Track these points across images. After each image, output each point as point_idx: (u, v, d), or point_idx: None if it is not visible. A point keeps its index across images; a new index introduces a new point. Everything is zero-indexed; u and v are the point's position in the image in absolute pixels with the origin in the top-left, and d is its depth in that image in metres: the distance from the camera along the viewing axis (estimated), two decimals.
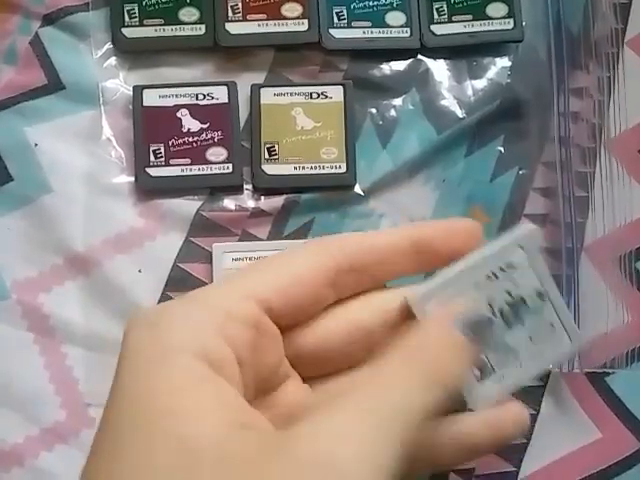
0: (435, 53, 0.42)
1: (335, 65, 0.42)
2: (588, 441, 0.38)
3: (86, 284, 0.38)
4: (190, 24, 0.41)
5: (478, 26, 0.42)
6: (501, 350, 0.28)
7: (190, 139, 0.40)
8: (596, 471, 0.38)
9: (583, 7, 0.43)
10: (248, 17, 0.41)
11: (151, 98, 0.40)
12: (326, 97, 0.41)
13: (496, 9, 0.42)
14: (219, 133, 0.40)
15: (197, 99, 0.41)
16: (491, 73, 0.42)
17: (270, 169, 0.40)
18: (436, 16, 0.42)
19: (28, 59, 0.41)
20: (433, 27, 0.42)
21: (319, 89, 0.41)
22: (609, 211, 0.41)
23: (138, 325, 0.23)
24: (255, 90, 0.41)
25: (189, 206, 0.40)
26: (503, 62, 0.43)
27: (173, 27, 0.41)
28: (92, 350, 0.38)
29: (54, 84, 0.41)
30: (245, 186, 0.40)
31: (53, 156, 0.40)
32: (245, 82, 0.41)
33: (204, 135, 0.40)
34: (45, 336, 0.38)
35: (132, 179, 0.40)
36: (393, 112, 0.42)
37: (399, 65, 0.42)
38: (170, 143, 0.40)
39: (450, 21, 0.42)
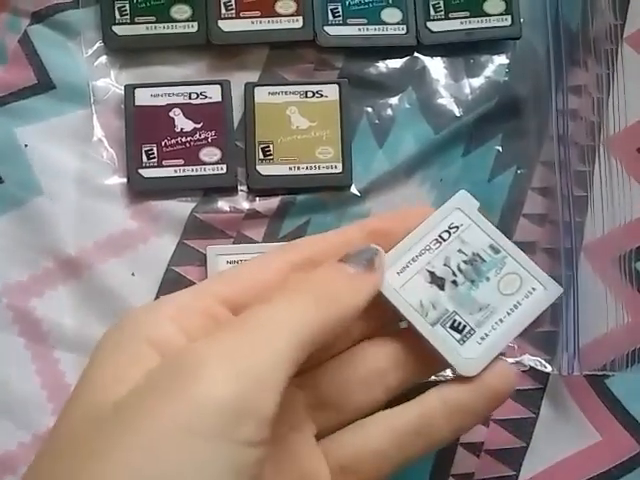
0: (432, 51, 0.41)
1: (330, 63, 0.41)
2: (588, 444, 0.38)
3: (78, 288, 0.38)
4: (182, 22, 0.40)
5: (475, 23, 0.41)
6: (474, 308, 0.30)
7: (183, 139, 0.39)
8: (596, 474, 0.37)
9: (582, 3, 0.42)
10: (241, 14, 0.40)
11: (143, 97, 0.39)
12: (321, 96, 0.40)
13: (493, 6, 0.41)
14: (213, 133, 0.39)
15: (190, 98, 0.40)
16: (488, 71, 0.42)
17: (265, 170, 0.39)
18: (432, 13, 0.41)
19: (17, 58, 0.40)
20: (429, 24, 0.41)
21: (314, 88, 0.40)
22: (608, 211, 0.40)
23: (108, 330, 0.25)
24: (249, 89, 0.40)
25: (183, 208, 0.39)
26: (501, 60, 0.42)
27: (165, 25, 0.40)
28: (85, 355, 0.36)
29: (44, 83, 0.40)
30: (239, 187, 0.39)
31: (43, 157, 0.39)
32: (239, 81, 0.40)
33: (197, 135, 0.39)
34: (37, 341, 0.37)
35: (124, 180, 0.39)
36: (389, 111, 0.41)
37: (395, 63, 0.41)
38: (163, 143, 0.39)
39: (447, 18, 0.41)
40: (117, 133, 0.39)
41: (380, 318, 0.30)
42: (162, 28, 0.40)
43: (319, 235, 0.29)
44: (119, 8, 0.40)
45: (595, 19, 0.42)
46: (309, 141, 0.39)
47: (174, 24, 0.40)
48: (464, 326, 0.30)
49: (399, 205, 0.40)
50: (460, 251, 0.30)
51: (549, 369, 0.38)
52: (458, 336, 0.29)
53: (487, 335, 0.29)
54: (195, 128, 0.39)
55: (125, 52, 0.41)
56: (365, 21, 0.41)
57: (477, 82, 0.41)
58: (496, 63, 0.42)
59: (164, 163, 0.39)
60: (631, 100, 0.41)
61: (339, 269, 0.27)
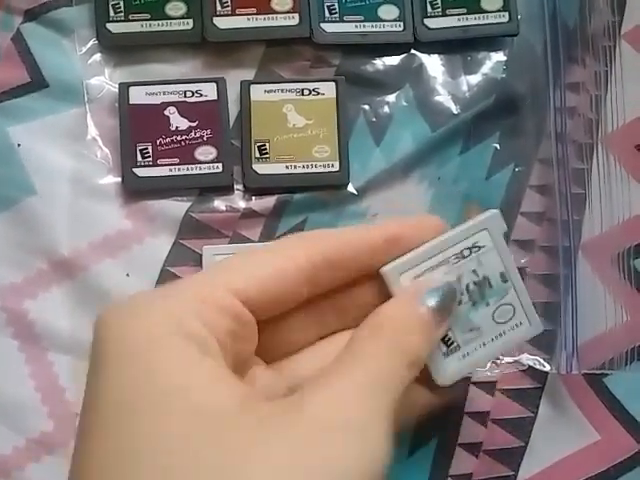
0: (429, 48, 0.41)
1: (327, 60, 0.40)
2: (587, 443, 0.37)
3: (72, 289, 0.37)
4: (177, 19, 0.39)
5: (473, 20, 0.40)
6: (467, 328, 0.30)
7: (178, 138, 0.38)
8: (595, 474, 0.37)
9: (579, 0, 0.42)
10: (237, 11, 0.39)
11: (138, 96, 0.39)
12: (318, 94, 0.39)
13: (491, 2, 0.41)
14: (208, 131, 0.38)
15: (185, 96, 0.39)
16: (486, 68, 0.41)
17: (261, 168, 0.38)
18: (430, 9, 0.40)
19: (10, 56, 0.39)
20: (427, 21, 0.40)
21: (311, 85, 0.39)
22: (606, 208, 0.39)
23: (117, 316, 0.23)
24: (245, 87, 0.39)
25: (178, 207, 0.38)
26: (498, 57, 0.41)
27: (159, 22, 0.39)
28: (79, 357, 0.36)
29: (37, 82, 0.39)
30: (236, 186, 0.39)
31: (37, 157, 0.38)
32: (234, 78, 0.39)
33: (193, 134, 0.38)
34: (31, 344, 0.36)
35: (119, 180, 0.38)
36: (387, 109, 0.40)
37: (392, 60, 0.41)
38: (158, 142, 0.38)
39: (444, 15, 0.40)
40: (111, 132, 0.38)
41: None
42: (157, 25, 0.39)
43: (337, 232, 0.28)
44: (113, 5, 0.39)
45: (593, 16, 0.41)
46: (306, 139, 0.39)
47: (169, 21, 0.39)
48: (452, 342, 0.30)
49: (397, 204, 0.39)
50: (474, 272, 0.31)
51: (547, 368, 0.38)
52: (445, 349, 0.30)
53: (469, 354, 0.30)
54: (190, 126, 0.38)
55: (119, 50, 0.40)
56: (362, 18, 0.40)
57: (474, 79, 0.41)
58: (493, 60, 0.41)
59: (159, 162, 0.38)
60: (629, 97, 0.41)
61: (414, 311, 0.26)
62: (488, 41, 0.41)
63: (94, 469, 0.20)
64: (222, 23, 0.39)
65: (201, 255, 0.37)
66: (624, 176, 0.40)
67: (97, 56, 0.40)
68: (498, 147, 0.40)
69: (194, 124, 0.38)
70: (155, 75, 0.40)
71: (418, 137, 0.40)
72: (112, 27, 0.39)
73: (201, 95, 0.39)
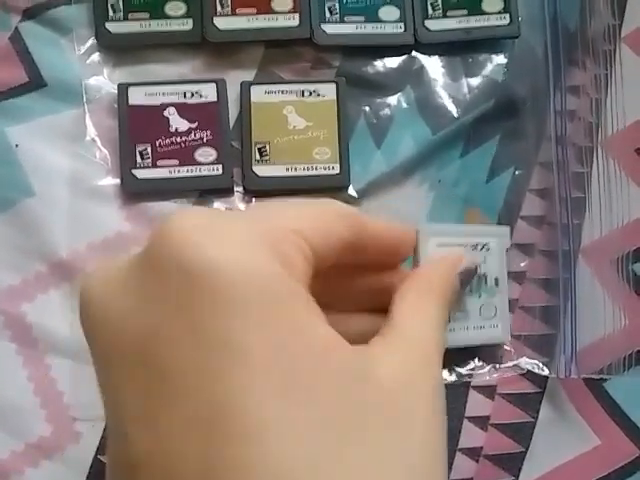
0: (430, 49, 0.40)
1: (327, 62, 0.40)
2: (587, 448, 0.37)
3: (70, 292, 0.36)
4: (177, 18, 0.39)
5: (473, 22, 0.40)
6: (459, 307, 0.34)
7: (178, 139, 0.38)
8: (596, 479, 0.36)
9: (580, 3, 0.41)
10: (237, 11, 0.39)
11: (137, 96, 0.38)
12: (318, 95, 0.39)
13: (492, 4, 0.40)
14: (208, 133, 0.38)
15: (185, 97, 0.38)
16: (487, 70, 0.40)
17: (261, 170, 0.38)
18: (430, 11, 0.40)
19: (8, 55, 0.39)
20: (427, 22, 0.40)
21: (311, 87, 0.39)
22: (606, 212, 0.39)
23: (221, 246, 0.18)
24: (245, 88, 0.39)
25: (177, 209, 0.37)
26: (499, 59, 0.41)
27: (159, 22, 0.39)
28: (77, 361, 0.36)
29: (35, 82, 0.38)
30: (235, 188, 0.38)
31: (35, 157, 0.37)
32: (235, 79, 0.39)
33: (192, 135, 0.38)
34: (28, 347, 0.36)
35: (118, 181, 0.37)
36: (387, 110, 0.40)
37: (393, 62, 0.40)
38: (157, 143, 0.37)
39: (445, 16, 0.40)
40: (110, 133, 0.38)
41: None
42: (156, 25, 0.39)
43: (370, 216, 0.25)
44: (112, 5, 0.39)
45: (593, 19, 0.41)
46: (306, 141, 0.38)
47: (168, 21, 0.39)
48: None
49: (397, 206, 0.39)
50: (478, 266, 0.35)
51: (546, 372, 0.37)
52: None
53: (453, 330, 0.34)
54: (190, 128, 0.38)
55: (118, 50, 0.39)
56: (363, 19, 0.39)
57: (475, 81, 0.40)
58: (494, 62, 0.41)
59: (158, 164, 0.37)
60: (629, 100, 0.40)
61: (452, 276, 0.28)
62: (489, 43, 0.41)
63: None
64: (222, 23, 0.39)
65: None
66: (624, 180, 0.40)
67: (96, 56, 0.39)
68: (498, 150, 0.40)
69: (194, 125, 0.38)
70: (155, 75, 0.39)
71: (419, 139, 0.39)
72: (111, 27, 0.38)
73: (201, 96, 0.38)
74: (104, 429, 0.35)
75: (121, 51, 0.39)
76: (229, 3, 0.39)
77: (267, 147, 0.38)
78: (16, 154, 0.37)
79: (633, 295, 0.39)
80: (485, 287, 0.36)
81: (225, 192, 0.38)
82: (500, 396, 0.38)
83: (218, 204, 0.38)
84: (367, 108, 0.40)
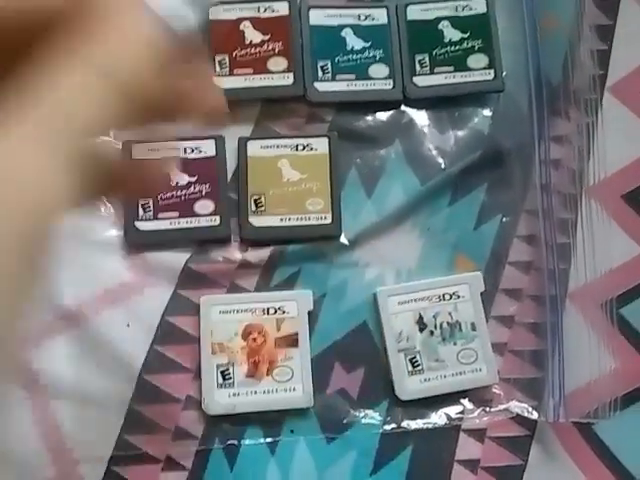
0: (418, 104, 0.43)
1: (320, 117, 0.42)
2: None
3: (75, 339, 0.38)
4: None
5: (459, 77, 0.42)
6: (433, 358, 0.38)
7: (179, 192, 0.40)
8: None
9: (562, 57, 0.43)
10: (235, 72, 0.41)
11: (140, 152, 0.40)
12: (312, 149, 0.41)
13: (477, 60, 0.42)
14: (207, 186, 0.40)
15: (185, 153, 0.40)
16: (473, 123, 0.43)
17: (257, 221, 0.40)
18: (418, 68, 0.42)
19: None
20: (415, 79, 0.42)
21: (305, 141, 0.41)
22: (591, 258, 0.40)
23: None
24: (242, 143, 0.41)
25: (177, 259, 0.40)
26: (484, 112, 0.43)
27: None
28: (80, 405, 0.37)
29: None
30: (233, 237, 0.40)
31: None
32: (233, 134, 0.41)
33: (192, 188, 0.40)
34: (35, 392, 0.38)
35: (121, 233, 0.39)
36: (378, 162, 0.42)
37: (383, 116, 0.42)
38: (159, 197, 0.40)
39: (432, 73, 0.42)
40: None
41: None
42: None
43: None
44: None
45: (576, 71, 0.43)
46: (300, 193, 0.40)
47: None
48: (419, 365, 0.38)
49: (388, 254, 0.41)
50: (450, 314, 0.39)
51: (535, 416, 0.38)
52: (411, 368, 0.38)
53: (429, 380, 0.37)
54: (190, 182, 0.40)
55: None
56: (354, 77, 0.42)
57: (462, 134, 0.42)
58: (480, 115, 0.43)
59: (160, 216, 0.39)
60: (614, 147, 0.42)
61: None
62: (475, 97, 0.43)
63: None
64: (221, 83, 0.41)
65: (199, 305, 0.38)
66: (609, 226, 0.41)
67: None
68: (486, 198, 0.42)
69: (193, 179, 0.40)
70: (157, 132, 0.41)
71: (408, 189, 0.41)
72: None
73: (200, 151, 0.41)
74: (105, 472, 0.37)
75: None
76: (227, 64, 0.41)
77: (262, 198, 0.40)
78: None
79: (621, 338, 0.40)
80: (460, 334, 0.38)
81: (223, 242, 0.40)
82: (490, 439, 0.39)
83: (215, 253, 0.40)
84: (358, 160, 0.42)
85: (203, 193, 0.40)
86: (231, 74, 0.41)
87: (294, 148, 0.41)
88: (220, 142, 0.41)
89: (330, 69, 0.42)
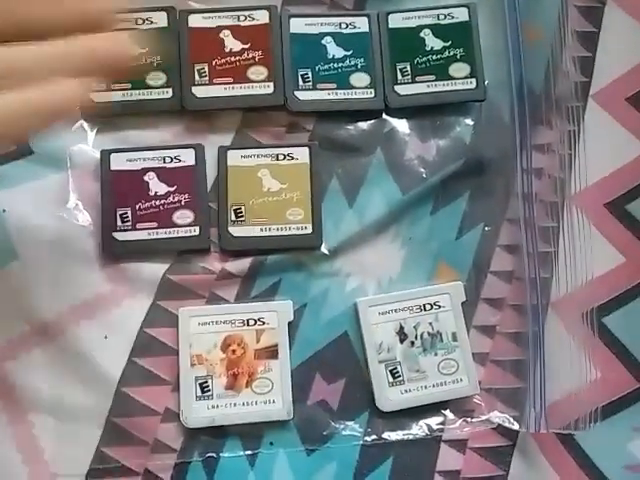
0: (399, 113, 0.43)
1: (301, 126, 0.43)
2: None
3: (52, 351, 0.38)
4: (157, 88, 0.42)
5: (441, 86, 0.43)
6: (414, 368, 0.38)
7: (157, 202, 0.40)
8: None
9: (545, 64, 0.44)
10: (214, 81, 0.42)
11: (118, 162, 0.41)
12: (292, 158, 0.41)
13: (459, 69, 0.43)
14: (186, 196, 0.40)
15: (164, 162, 0.41)
16: (454, 132, 0.43)
17: (237, 231, 0.40)
18: (400, 77, 0.42)
19: None
20: (397, 88, 0.42)
21: (285, 151, 0.41)
22: (573, 267, 0.41)
23: None
24: (222, 152, 0.41)
25: (156, 269, 0.40)
26: (466, 121, 0.43)
27: (140, 91, 0.42)
28: (58, 418, 0.38)
29: (22, 149, 0.41)
30: (212, 248, 0.40)
31: (21, 222, 0.40)
32: (213, 143, 0.42)
33: (171, 198, 0.40)
34: (11, 405, 0.38)
35: (99, 244, 0.40)
36: (359, 172, 0.42)
37: (364, 125, 0.43)
38: (137, 207, 0.40)
39: (414, 82, 0.43)
40: (93, 197, 0.40)
41: None
42: (137, 94, 0.41)
43: None
44: None
45: (558, 79, 0.43)
46: (280, 203, 0.41)
47: (149, 90, 0.42)
48: (399, 376, 0.38)
49: (369, 264, 0.41)
50: (430, 324, 0.39)
51: (516, 427, 0.39)
52: (391, 379, 0.38)
53: (410, 391, 0.38)
54: (169, 191, 0.40)
55: (102, 117, 0.42)
56: (334, 86, 0.42)
57: (444, 143, 0.43)
58: (462, 124, 0.43)
59: (138, 226, 0.40)
60: (598, 155, 0.43)
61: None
62: (456, 106, 0.43)
63: None
64: (200, 92, 0.41)
65: (177, 316, 0.39)
66: (591, 235, 0.42)
67: (80, 123, 0.42)
68: (467, 208, 0.42)
69: (172, 189, 0.40)
70: (136, 141, 0.42)
71: (389, 199, 0.42)
72: (94, 96, 0.41)
73: (180, 161, 0.41)
74: None
75: (104, 119, 0.42)
76: (207, 73, 0.42)
77: (242, 208, 0.40)
78: (4, 219, 0.40)
79: (603, 348, 0.41)
80: (441, 344, 0.39)
81: (202, 252, 0.40)
82: (471, 450, 0.39)
83: (195, 263, 0.40)
84: (339, 169, 0.42)
85: (182, 203, 0.40)
86: (211, 83, 0.41)
87: (275, 157, 0.41)
88: (200, 151, 0.41)
89: (311, 78, 0.42)
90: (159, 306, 0.39)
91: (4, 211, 0.40)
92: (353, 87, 0.42)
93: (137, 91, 0.42)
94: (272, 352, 0.39)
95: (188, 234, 0.40)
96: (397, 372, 0.38)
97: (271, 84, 0.42)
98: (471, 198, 0.42)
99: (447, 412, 0.39)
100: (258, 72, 0.42)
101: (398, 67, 0.43)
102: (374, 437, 0.39)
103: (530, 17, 0.44)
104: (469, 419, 0.39)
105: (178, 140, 0.42)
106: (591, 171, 0.43)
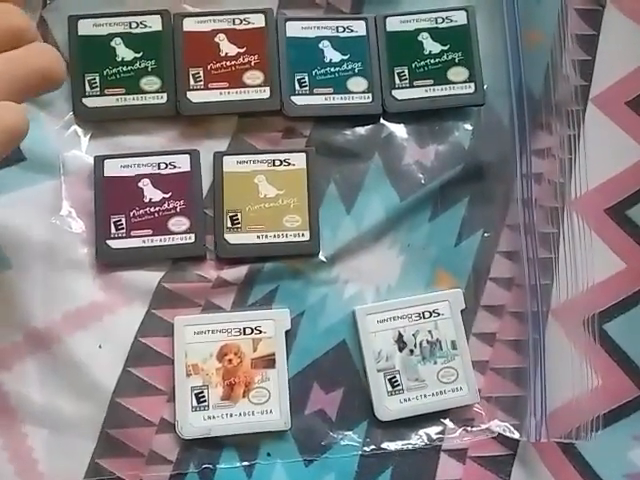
0: (397, 118, 0.43)
1: (298, 131, 0.43)
2: None
3: (46, 361, 0.39)
4: (152, 93, 0.42)
5: (439, 91, 0.43)
6: (413, 377, 0.39)
7: (152, 209, 0.40)
8: None
9: (544, 68, 0.44)
10: (210, 85, 0.42)
11: (112, 168, 0.41)
12: (289, 164, 0.41)
13: (457, 73, 0.43)
14: (181, 202, 0.41)
15: (159, 168, 0.41)
16: (453, 137, 0.43)
17: (233, 238, 0.40)
18: (397, 81, 0.43)
19: None
20: (395, 92, 0.43)
21: (282, 156, 0.42)
22: (574, 273, 0.41)
23: None
24: (218, 158, 0.41)
25: (151, 277, 0.40)
26: (465, 126, 0.44)
27: (135, 96, 0.42)
28: (51, 429, 0.38)
29: (15, 155, 0.41)
30: (208, 256, 0.41)
31: (13, 230, 0.40)
32: (208, 149, 0.42)
33: (166, 205, 0.41)
34: (5, 415, 0.38)
35: (93, 251, 0.40)
36: (357, 177, 0.43)
37: (362, 130, 0.43)
38: (131, 214, 0.40)
39: (411, 86, 0.43)
40: (87, 204, 0.41)
41: None
42: (132, 99, 0.42)
43: None
44: (89, 80, 0.42)
45: (558, 82, 0.44)
46: (277, 209, 0.41)
47: (144, 95, 0.42)
48: (398, 385, 0.39)
49: (367, 271, 0.41)
50: (429, 332, 0.40)
51: (517, 435, 0.39)
52: (390, 388, 0.39)
53: (409, 400, 0.38)
54: (164, 198, 0.41)
55: (95, 123, 0.42)
56: (331, 90, 0.42)
57: (442, 148, 0.43)
58: (461, 129, 0.44)
59: (132, 234, 0.40)
60: (598, 160, 0.43)
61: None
62: (455, 111, 0.44)
63: None
64: (195, 97, 0.42)
65: (173, 325, 0.39)
66: (592, 240, 0.42)
67: (74, 129, 0.42)
68: (467, 213, 0.42)
69: (167, 195, 0.41)
70: (131, 147, 0.42)
71: (388, 205, 0.42)
72: (88, 101, 0.42)
73: (175, 167, 0.41)
74: None
75: (98, 124, 0.42)
76: (202, 78, 0.42)
77: (239, 215, 0.41)
78: None
79: (604, 355, 0.41)
80: (440, 352, 0.39)
81: (198, 259, 0.41)
82: (471, 459, 0.40)
83: (190, 271, 0.40)
84: (337, 175, 0.42)
85: (177, 210, 0.41)
86: (206, 88, 0.42)
87: (271, 163, 0.41)
88: (195, 157, 0.41)
89: (307, 82, 0.42)
90: (154, 315, 0.40)
91: None
92: (350, 92, 0.43)
93: (131, 96, 0.42)
94: (269, 361, 0.39)
95: (183, 241, 0.40)
96: (396, 381, 0.39)
97: (267, 89, 0.42)
98: (470, 204, 0.43)
99: (447, 421, 0.40)
100: (254, 77, 0.42)
101: (396, 71, 0.43)
102: (373, 447, 0.39)
103: (529, 20, 0.44)
104: (469, 428, 0.40)
105: (173, 146, 0.42)
106: (591, 176, 0.43)
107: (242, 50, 0.42)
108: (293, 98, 0.42)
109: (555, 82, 0.44)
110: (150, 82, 0.42)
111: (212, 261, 0.41)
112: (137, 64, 0.42)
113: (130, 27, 0.42)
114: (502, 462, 0.40)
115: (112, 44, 0.42)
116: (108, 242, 0.40)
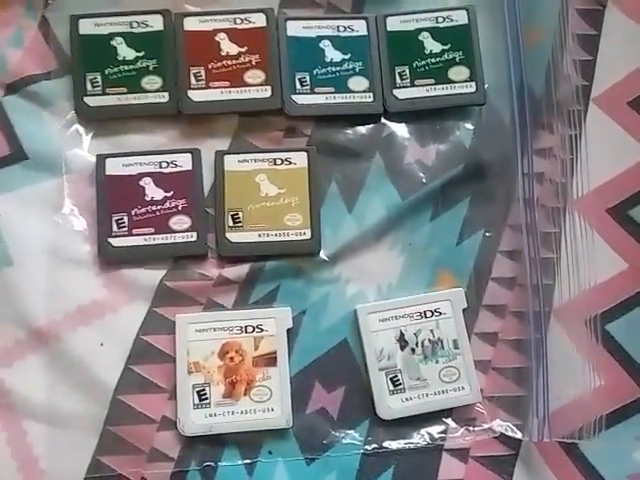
0: (398, 117, 0.44)
1: (299, 130, 0.44)
2: None
3: (48, 358, 0.39)
4: (153, 92, 0.43)
5: (440, 90, 0.44)
6: (415, 376, 0.39)
7: (153, 208, 0.41)
8: None
9: (546, 68, 0.45)
10: (211, 84, 0.43)
11: (114, 167, 0.42)
12: (290, 163, 0.42)
13: (458, 73, 0.44)
14: (183, 201, 0.42)
15: (161, 167, 0.42)
16: (454, 136, 0.44)
17: (234, 237, 0.41)
18: (399, 80, 0.44)
19: None
20: (396, 91, 0.44)
21: (283, 155, 0.42)
22: (576, 273, 0.42)
23: None
24: (219, 157, 0.42)
25: (152, 276, 0.41)
26: (466, 125, 0.45)
27: (136, 95, 0.43)
28: (53, 426, 0.39)
29: (17, 154, 0.42)
30: (209, 254, 0.41)
31: (15, 228, 0.41)
32: (210, 148, 0.43)
33: (168, 203, 0.41)
34: (7, 412, 0.39)
35: (95, 249, 0.41)
36: (358, 176, 0.44)
37: (363, 129, 0.44)
38: (133, 212, 0.41)
39: (412, 85, 0.44)
40: (89, 202, 0.42)
41: None
42: (133, 99, 0.43)
43: None
44: (91, 80, 0.43)
45: (559, 83, 0.45)
46: (278, 208, 0.42)
47: (145, 94, 0.43)
48: (400, 384, 0.40)
49: (368, 270, 0.42)
50: (431, 331, 0.40)
51: (519, 435, 0.40)
52: (392, 387, 0.40)
53: (410, 399, 0.39)
54: (165, 196, 0.42)
55: (97, 122, 0.43)
56: (332, 89, 0.44)
57: (443, 147, 0.44)
58: (462, 128, 0.45)
59: (134, 232, 0.41)
60: (599, 159, 0.44)
61: None
62: (456, 110, 0.45)
63: None
64: (196, 96, 0.43)
65: (175, 323, 0.40)
66: (593, 241, 0.43)
67: (75, 128, 0.43)
68: (468, 213, 0.43)
69: (169, 194, 0.42)
70: (132, 146, 0.43)
71: (389, 204, 0.43)
72: (89, 100, 0.43)
73: (176, 165, 0.42)
74: None
75: (100, 123, 0.43)
76: (203, 77, 0.43)
77: (240, 214, 0.42)
78: None
79: (606, 355, 0.42)
80: (442, 351, 0.39)
81: (199, 258, 0.42)
82: (474, 459, 0.40)
83: (192, 270, 0.41)
84: (338, 174, 0.43)
85: (179, 208, 0.42)
86: (207, 87, 0.43)
87: (272, 162, 0.42)
88: (197, 155, 0.42)
89: (308, 81, 0.43)
90: (156, 313, 0.40)
91: None
92: (351, 91, 0.44)
93: (133, 95, 0.43)
94: (271, 359, 0.40)
95: (185, 240, 0.41)
96: (398, 380, 0.40)
97: (268, 88, 0.43)
98: (471, 203, 0.44)
99: (449, 420, 0.41)
100: (255, 76, 0.43)
101: (397, 71, 0.44)
102: (375, 446, 0.40)
103: (530, 20, 0.45)
104: (471, 428, 0.41)
105: (174, 144, 0.43)
106: (593, 176, 0.44)
107: (243, 49, 0.43)
108: (294, 97, 0.43)
109: (556, 82, 0.45)
110: (151, 81, 0.43)
111: (213, 259, 0.42)
112: (138, 63, 0.43)
113: (131, 26, 0.44)
114: (504, 462, 0.40)
115: (113, 43, 0.43)
116: (110, 240, 0.41)
